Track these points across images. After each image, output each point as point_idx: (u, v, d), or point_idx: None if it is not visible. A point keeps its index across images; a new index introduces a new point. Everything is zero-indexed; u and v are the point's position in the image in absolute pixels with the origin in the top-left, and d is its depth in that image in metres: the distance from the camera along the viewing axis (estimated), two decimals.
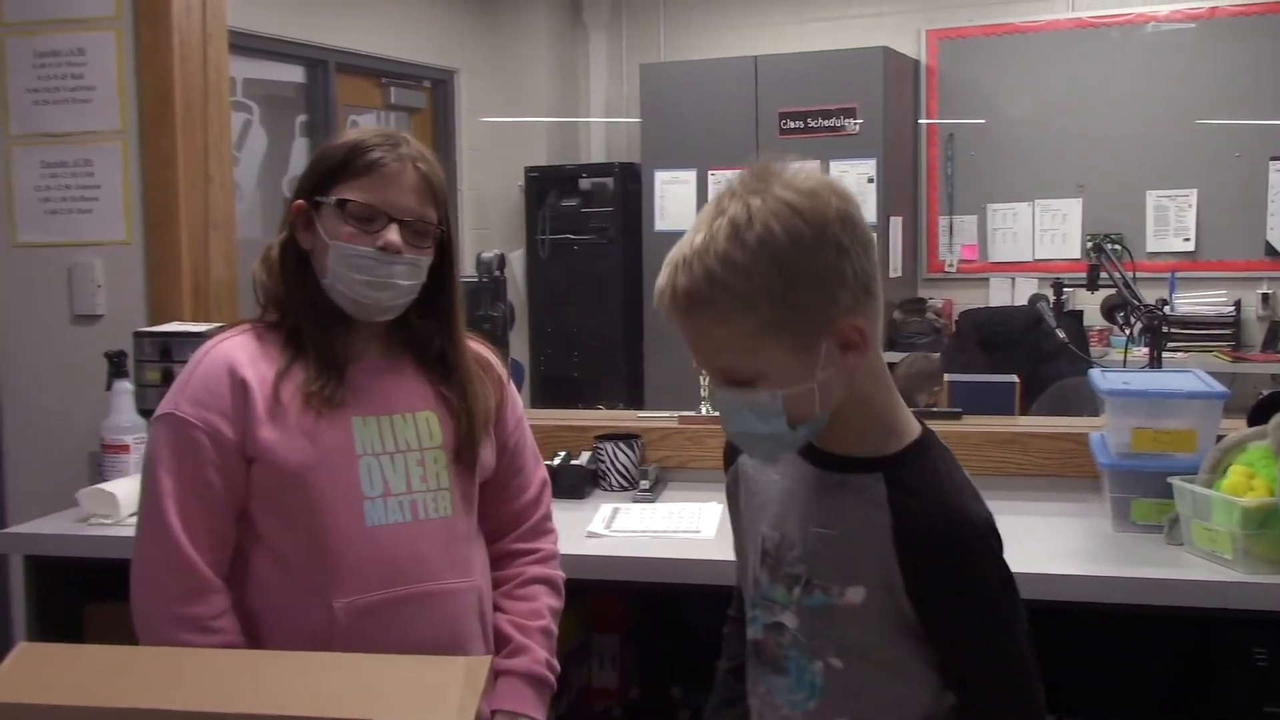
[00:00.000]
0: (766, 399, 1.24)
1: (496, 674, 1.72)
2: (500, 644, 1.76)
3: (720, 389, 1.27)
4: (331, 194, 1.63)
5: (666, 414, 2.88)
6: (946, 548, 1.25)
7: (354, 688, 1.34)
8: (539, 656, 1.75)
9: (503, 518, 1.83)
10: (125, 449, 2.58)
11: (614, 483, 2.67)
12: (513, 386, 1.86)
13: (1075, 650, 2.27)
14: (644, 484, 2.66)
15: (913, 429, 1.33)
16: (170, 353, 2.62)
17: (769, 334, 1.22)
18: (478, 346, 1.81)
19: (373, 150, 1.63)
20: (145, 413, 2.61)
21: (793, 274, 1.20)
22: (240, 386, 1.62)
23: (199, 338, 2.62)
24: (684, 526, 2.39)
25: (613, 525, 2.38)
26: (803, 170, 1.25)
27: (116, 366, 2.62)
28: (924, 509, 1.26)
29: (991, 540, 1.28)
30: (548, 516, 1.89)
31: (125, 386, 2.61)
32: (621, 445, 2.69)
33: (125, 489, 2.45)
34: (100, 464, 2.61)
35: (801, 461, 1.35)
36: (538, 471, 1.88)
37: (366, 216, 1.62)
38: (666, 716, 2.52)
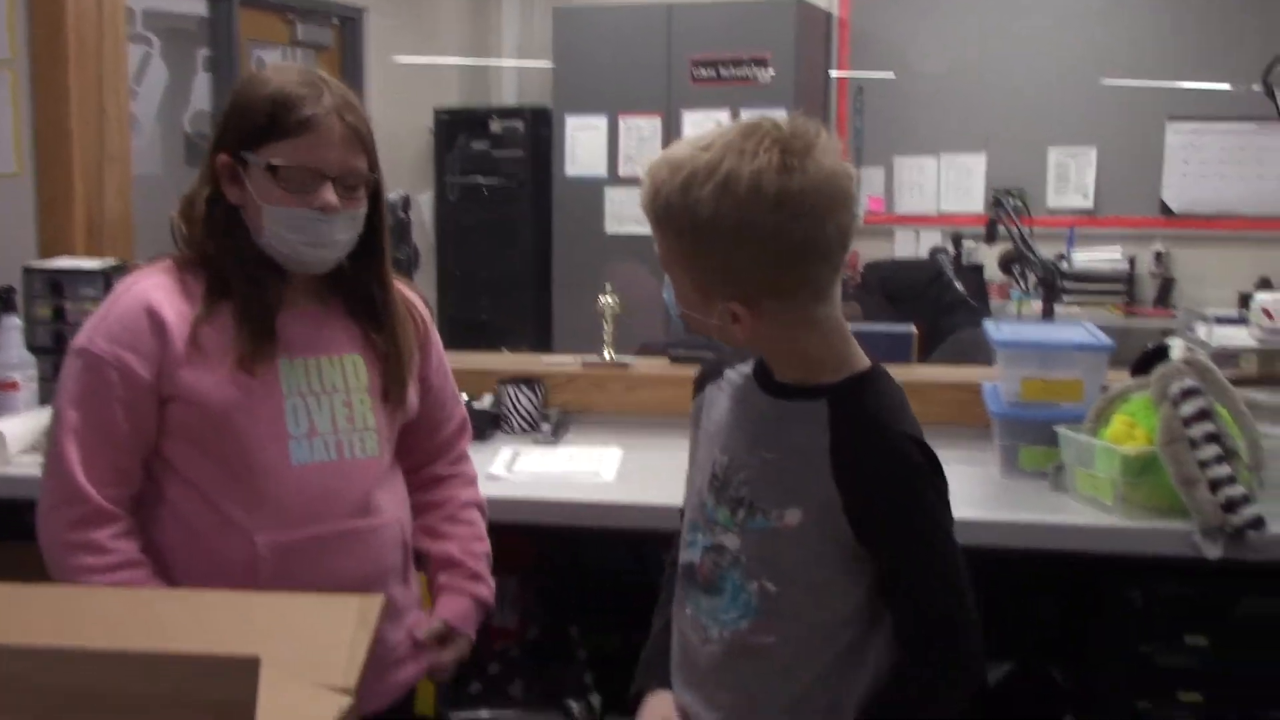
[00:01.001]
0: (673, 300, 1.39)
1: (443, 588, 1.80)
2: (449, 565, 1.82)
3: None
4: (259, 154, 1.60)
5: (570, 358, 2.89)
6: (880, 458, 1.32)
7: (246, 626, 1.34)
8: (490, 584, 1.84)
9: (428, 449, 1.88)
10: (14, 386, 2.52)
11: (516, 425, 2.68)
12: (434, 328, 1.87)
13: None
14: (545, 427, 2.67)
15: (861, 363, 1.39)
16: (62, 289, 2.56)
17: (681, 265, 1.34)
18: (403, 289, 1.82)
19: (298, 106, 1.59)
20: (36, 349, 2.56)
21: (717, 247, 1.30)
22: (159, 327, 1.60)
23: (93, 274, 2.57)
24: (584, 469, 2.41)
25: (514, 467, 2.40)
26: (833, 149, 1.34)
27: (4, 302, 2.55)
28: (859, 425, 1.32)
29: (924, 452, 1.34)
30: (467, 453, 1.96)
31: (14, 322, 2.54)
32: (524, 389, 2.69)
33: (15, 428, 2.40)
34: None
35: (755, 388, 1.42)
36: (458, 409, 1.93)
37: (299, 180, 1.60)
38: (564, 655, 2.55)
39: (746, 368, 1.47)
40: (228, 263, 1.64)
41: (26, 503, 2.41)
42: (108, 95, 2.80)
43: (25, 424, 2.43)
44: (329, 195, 1.60)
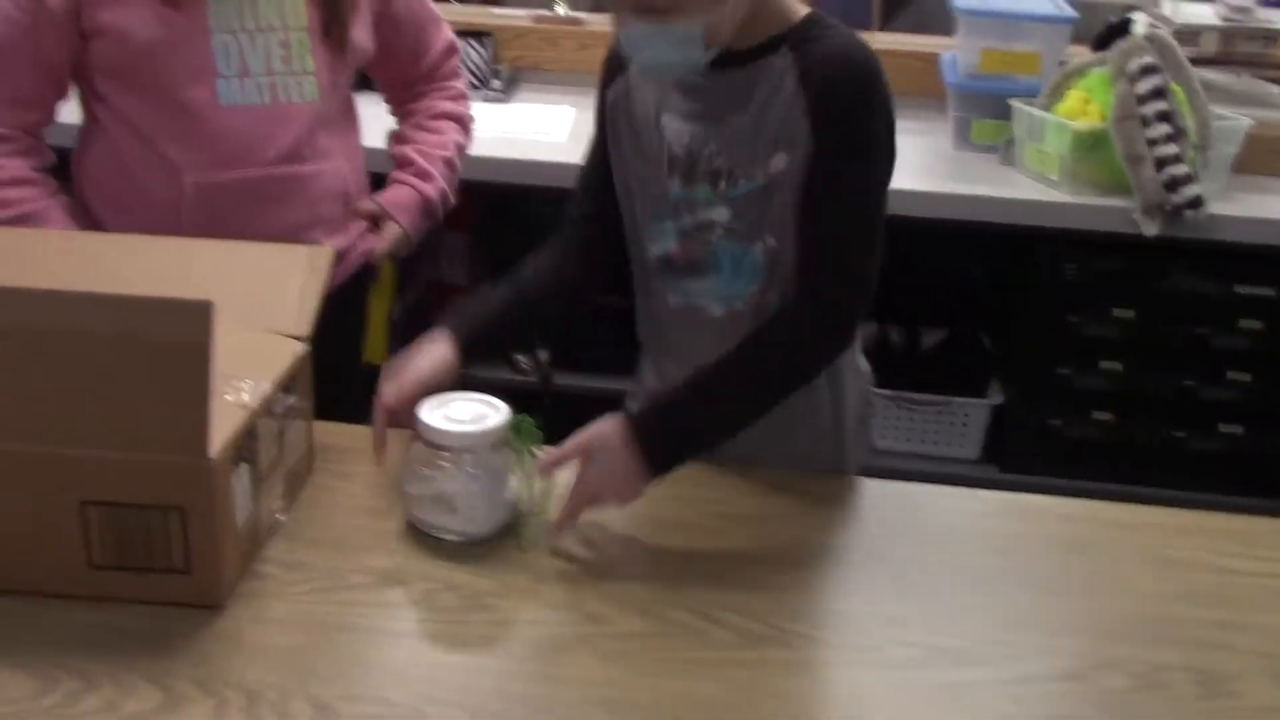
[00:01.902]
0: (684, 28, 1.23)
1: (390, 182, 1.76)
2: (402, 163, 1.77)
3: (633, 22, 1.25)
4: None
5: (522, 11, 2.79)
6: (846, 78, 1.27)
7: (197, 271, 1.35)
8: (437, 184, 1.77)
9: (411, 77, 1.80)
10: None
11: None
12: None
13: (900, 261, 2.40)
14: (496, 84, 2.61)
15: (802, 9, 1.34)
16: None
17: None
18: None
19: None
20: None
21: None
22: None
23: None
24: (536, 128, 2.38)
25: None
26: None
27: None
28: (826, 51, 1.28)
29: (884, 79, 1.30)
30: (458, 71, 1.85)
31: None
32: (473, 43, 2.61)
33: None
34: None
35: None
36: (440, 34, 1.82)
37: None
38: None
39: None
40: None
41: None
42: None
43: None
44: None
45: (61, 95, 1.61)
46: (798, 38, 1.29)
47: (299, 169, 1.62)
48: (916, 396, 2.41)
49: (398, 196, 1.76)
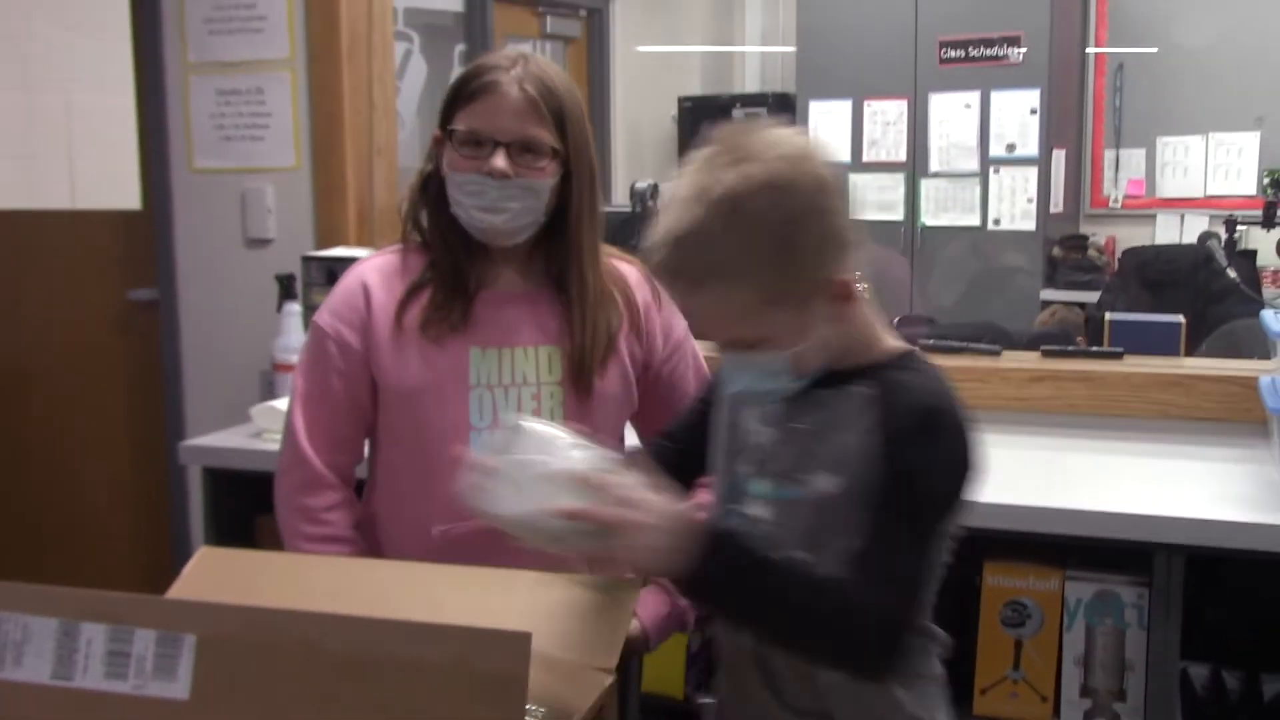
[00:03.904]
0: (771, 359, 1.29)
1: (653, 584, 1.71)
2: None
3: (725, 352, 1.33)
4: (451, 123, 1.66)
5: None
6: (911, 407, 1.27)
7: (512, 601, 1.39)
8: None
9: None
10: (292, 368, 2.68)
11: None
12: (672, 309, 1.78)
13: (1234, 599, 2.21)
14: None
15: (900, 346, 1.37)
16: (335, 276, 2.69)
17: (769, 304, 1.25)
18: (623, 266, 1.78)
19: (481, 74, 1.64)
20: None
21: (787, 247, 1.23)
22: (369, 304, 1.69)
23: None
24: None
25: None
26: (776, 133, 1.28)
27: (286, 289, 2.72)
28: (907, 391, 1.29)
29: (957, 417, 1.29)
30: None
31: (294, 308, 2.71)
32: None
33: None
34: (271, 381, 2.73)
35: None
36: None
37: (473, 142, 1.64)
38: None
39: None
40: (434, 236, 1.71)
41: None
42: (377, 90, 2.95)
43: None
44: (497, 160, 1.62)
45: (366, 435, 1.74)
46: (882, 371, 1.32)
47: None
48: None
49: (655, 610, 1.66)
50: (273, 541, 2.31)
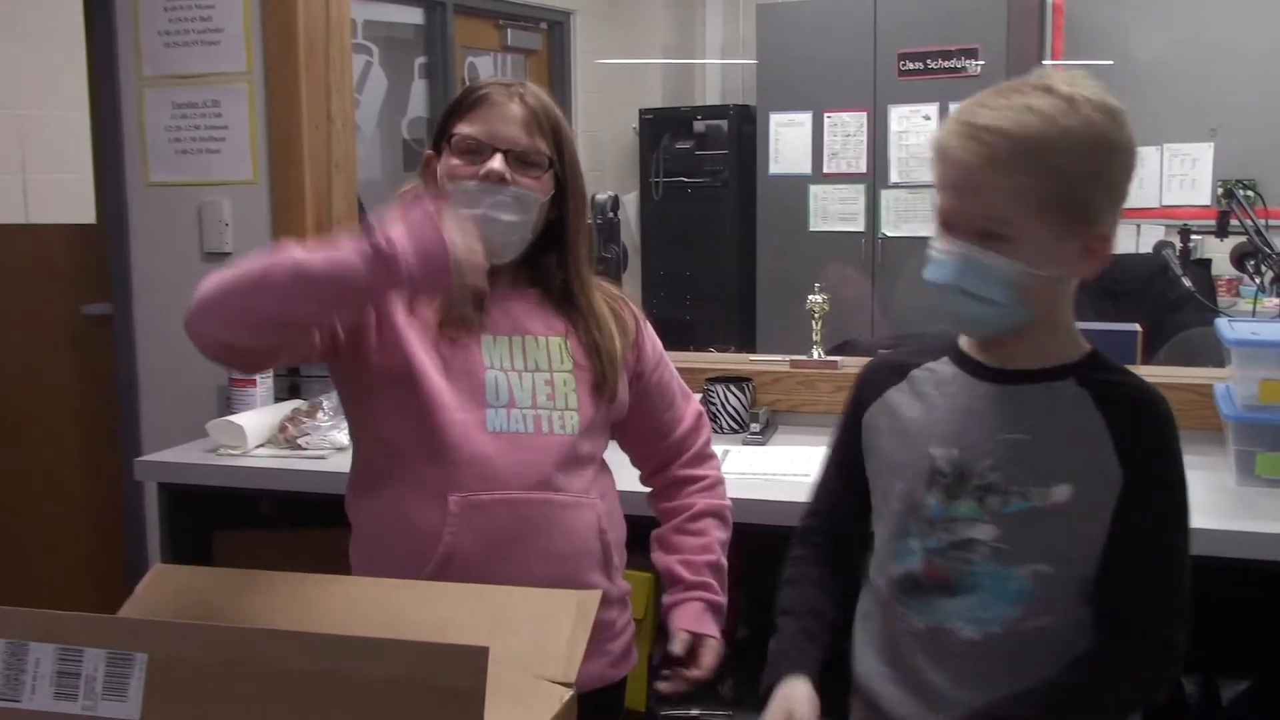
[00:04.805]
0: (1006, 264, 1.28)
1: (674, 603, 1.78)
2: (672, 580, 1.80)
3: (959, 241, 1.30)
4: (448, 133, 1.69)
5: (779, 357, 2.87)
6: (1153, 417, 1.32)
7: (470, 616, 1.38)
8: (716, 589, 1.80)
9: (664, 451, 1.87)
10: (252, 383, 2.66)
11: (724, 425, 2.68)
12: (649, 326, 1.86)
13: (1196, 605, 2.23)
14: (754, 427, 2.66)
15: (1085, 344, 1.39)
16: None
17: (1049, 208, 1.28)
18: (609, 287, 1.83)
19: (483, 89, 1.69)
20: None
21: (1102, 168, 1.29)
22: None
23: None
24: (794, 470, 2.39)
25: (723, 468, 2.39)
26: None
27: None
28: (1129, 392, 1.33)
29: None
30: (708, 444, 1.92)
31: None
32: (733, 388, 2.70)
33: (252, 421, 2.54)
34: (229, 397, 2.70)
35: (972, 380, 1.39)
36: (690, 405, 1.90)
37: (472, 148, 1.66)
38: None
39: (936, 363, 1.44)
40: None
41: (262, 493, 2.56)
42: (335, 103, 2.93)
43: (262, 418, 2.57)
44: (494, 163, 1.64)
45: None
46: (1086, 371, 1.33)
47: (559, 497, 1.67)
48: None
49: (691, 614, 1.76)
50: (229, 559, 2.30)
